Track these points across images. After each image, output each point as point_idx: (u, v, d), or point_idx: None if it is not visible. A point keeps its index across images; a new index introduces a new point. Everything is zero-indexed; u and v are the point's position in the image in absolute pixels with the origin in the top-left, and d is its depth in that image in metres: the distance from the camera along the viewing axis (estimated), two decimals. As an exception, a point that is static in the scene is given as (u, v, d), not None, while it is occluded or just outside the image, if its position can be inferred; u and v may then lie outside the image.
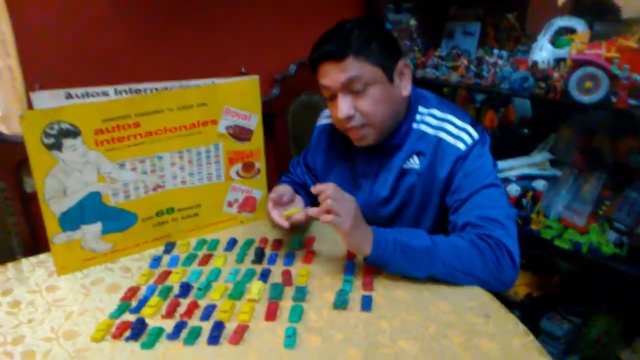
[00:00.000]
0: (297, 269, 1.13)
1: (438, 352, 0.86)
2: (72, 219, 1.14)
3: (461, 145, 1.14)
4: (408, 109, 1.21)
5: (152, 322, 0.97)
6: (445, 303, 0.98)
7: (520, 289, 2.00)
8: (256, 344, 0.90)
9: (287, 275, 1.09)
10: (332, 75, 1.11)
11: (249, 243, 1.26)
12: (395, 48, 1.16)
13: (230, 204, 1.35)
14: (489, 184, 1.12)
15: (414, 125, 1.20)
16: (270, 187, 1.31)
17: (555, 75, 1.64)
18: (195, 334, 0.92)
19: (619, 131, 1.84)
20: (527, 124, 2.31)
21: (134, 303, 1.04)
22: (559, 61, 1.71)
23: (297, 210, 1.18)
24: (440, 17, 2.38)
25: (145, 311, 0.99)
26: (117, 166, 1.16)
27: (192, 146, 1.24)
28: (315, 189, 1.06)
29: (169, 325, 0.95)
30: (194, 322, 0.97)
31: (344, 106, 1.12)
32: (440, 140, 1.17)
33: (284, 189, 1.23)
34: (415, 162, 1.19)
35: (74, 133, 1.08)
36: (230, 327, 0.94)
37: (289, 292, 1.04)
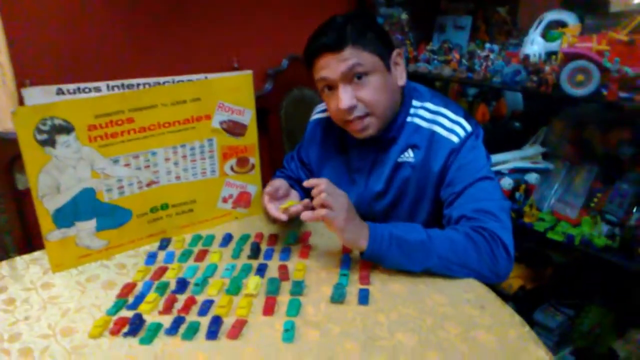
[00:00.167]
0: (294, 263, 1.13)
1: (435, 344, 0.86)
2: (66, 216, 1.13)
3: (454, 138, 1.15)
4: (402, 102, 1.21)
5: (150, 318, 0.97)
6: (442, 295, 0.99)
7: (514, 281, 2.02)
8: (255, 339, 0.90)
9: (283, 270, 1.09)
10: (331, 67, 1.11)
11: (244, 238, 1.26)
12: (388, 39, 1.17)
13: (224, 200, 1.35)
14: (483, 177, 1.13)
15: (408, 119, 1.21)
16: (264, 183, 1.31)
17: (547, 68, 1.65)
18: (193, 329, 0.92)
19: (609, 123, 1.85)
20: (519, 118, 2.32)
21: (130, 299, 1.03)
22: (550, 54, 1.72)
23: (295, 202, 1.17)
24: (431, 11, 2.38)
25: (143, 307, 0.99)
26: (111, 162, 1.15)
27: (186, 141, 1.24)
28: (308, 182, 1.06)
29: (166, 321, 0.95)
30: (192, 317, 0.96)
31: (346, 97, 1.11)
32: (434, 133, 1.17)
33: (279, 183, 1.23)
34: (409, 156, 1.20)
35: (67, 129, 1.07)
36: (228, 322, 0.94)
37: (286, 286, 1.04)
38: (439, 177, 1.17)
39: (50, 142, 1.06)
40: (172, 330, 0.92)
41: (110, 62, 1.78)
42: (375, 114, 1.14)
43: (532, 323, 1.90)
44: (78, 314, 1.00)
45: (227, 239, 1.26)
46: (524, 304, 1.93)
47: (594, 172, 1.83)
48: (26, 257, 1.23)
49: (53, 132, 1.05)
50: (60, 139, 1.07)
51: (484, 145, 1.18)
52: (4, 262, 1.21)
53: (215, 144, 1.28)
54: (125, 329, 0.93)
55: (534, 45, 1.76)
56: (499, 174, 1.94)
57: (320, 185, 1.03)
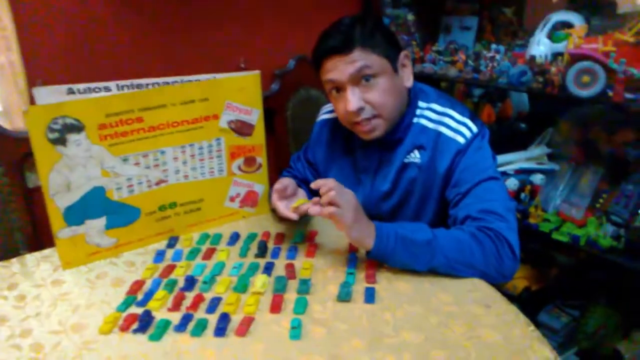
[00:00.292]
0: (301, 262, 1.14)
1: (441, 342, 0.87)
2: (76, 214, 1.14)
3: (460, 139, 1.15)
4: (408, 103, 1.22)
5: (159, 315, 0.98)
6: (447, 294, 1.00)
7: (519, 282, 2.02)
8: (262, 336, 0.91)
9: (290, 269, 1.10)
10: (340, 69, 1.11)
11: (251, 237, 1.27)
12: (396, 40, 1.18)
13: (232, 199, 1.36)
14: (489, 177, 1.13)
15: (415, 120, 1.22)
16: (271, 183, 1.32)
17: (553, 69, 1.65)
18: (202, 326, 0.93)
19: (614, 124, 1.85)
20: (525, 119, 2.32)
21: (140, 296, 1.05)
22: (556, 55, 1.72)
23: (304, 201, 1.17)
24: (437, 12, 2.39)
25: (152, 304, 1.01)
26: (121, 161, 1.16)
27: (195, 141, 1.25)
28: (315, 184, 1.07)
29: (175, 318, 0.97)
30: (200, 314, 0.98)
31: (354, 99, 1.12)
32: (440, 134, 1.18)
33: (287, 181, 1.24)
34: (416, 156, 1.21)
35: (78, 128, 1.09)
36: (236, 319, 0.95)
37: (293, 285, 1.05)
38: (445, 177, 1.18)
39: (61, 141, 1.07)
40: (181, 327, 0.94)
41: (120, 63, 1.79)
42: (383, 116, 1.15)
43: (537, 325, 1.89)
44: (88, 310, 1.01)
45: (235, 237, 1.27)
46: (528, 305, 1.93)
47: (599, 173, 1.83)
48: (36, 254, 1.24)
49: (64, 131, 1.07)
50: (71, 137, 1.08)
51: (489, 146, 1.19)
52: (14, 260, 1.22)
53: (223, 143, 1.29)
54: (135, 326, 0.95)
55: (540, 46, 1.77)
56: (505, 174, 1.95)
57: (329, 183, 1.04)
